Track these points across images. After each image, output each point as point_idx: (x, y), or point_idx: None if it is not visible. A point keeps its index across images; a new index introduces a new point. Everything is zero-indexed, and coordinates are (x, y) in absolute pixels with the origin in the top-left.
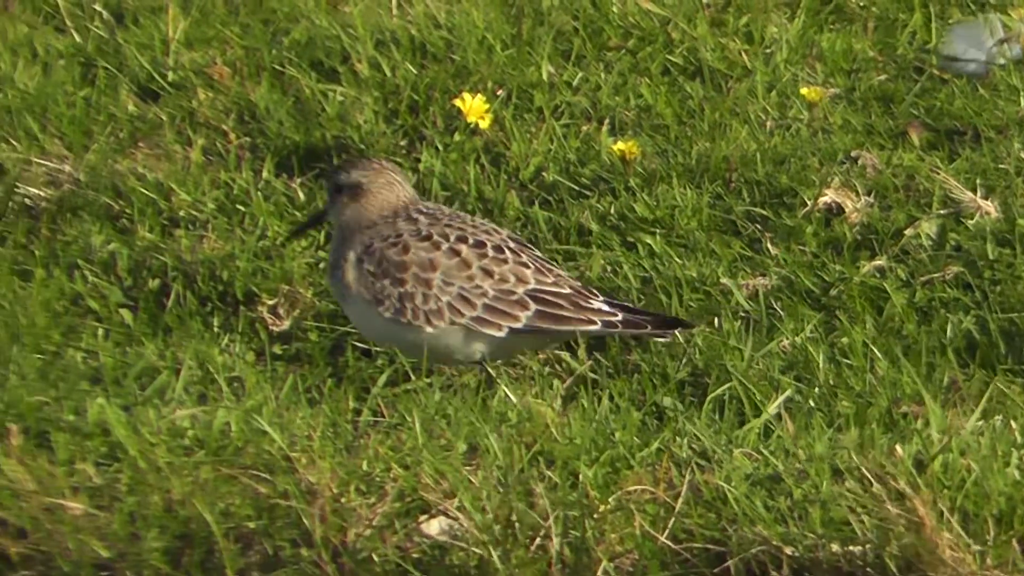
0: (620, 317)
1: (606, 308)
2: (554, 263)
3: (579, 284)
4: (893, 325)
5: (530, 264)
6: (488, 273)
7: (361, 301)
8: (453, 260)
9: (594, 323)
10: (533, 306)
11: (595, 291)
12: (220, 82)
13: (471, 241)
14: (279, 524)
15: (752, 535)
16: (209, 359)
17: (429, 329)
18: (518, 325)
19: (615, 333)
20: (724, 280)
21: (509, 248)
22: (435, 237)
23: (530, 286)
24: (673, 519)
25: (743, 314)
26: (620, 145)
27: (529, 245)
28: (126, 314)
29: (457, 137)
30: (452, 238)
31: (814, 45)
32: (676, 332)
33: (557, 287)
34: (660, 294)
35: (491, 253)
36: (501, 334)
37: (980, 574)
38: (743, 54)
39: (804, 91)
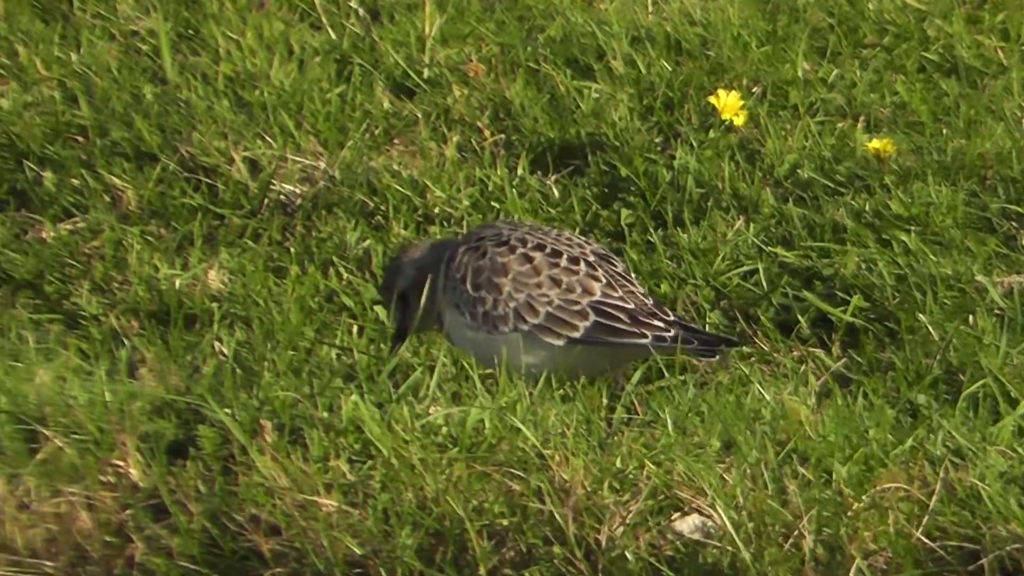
0: (672, 333)
1: (662, 324)
2: (632, 279)
3: (651, 302)
4: None
5: (602, 277)
6: (556, 282)
7: (448, 307)
8: (524, 267)
9: (645, 336)
10: (592, 317)
11: (667, 310)
12: (475, 79)
13: (548, 250)
14: (532, 521)
15: (1006, 533)
16: (464, 356)
17: (494, 335)
18: (576, 335)
19: (664, 348)
20: (979, 277)
21: (586, 261)
22: (512, 242)
23: (595, 298)
24: (927, 517)
25: (998, 312)
26: (875, 142)
27: (614, 260)
28: (380, 311)
29: (712, 134)
30: (529, 244)
31: None
32: (721, 349)
33: (622, 302)
34: (915, 291)
35: (564, 263)
36: (559, 343)
37: None
38: (999, 51)
39: None
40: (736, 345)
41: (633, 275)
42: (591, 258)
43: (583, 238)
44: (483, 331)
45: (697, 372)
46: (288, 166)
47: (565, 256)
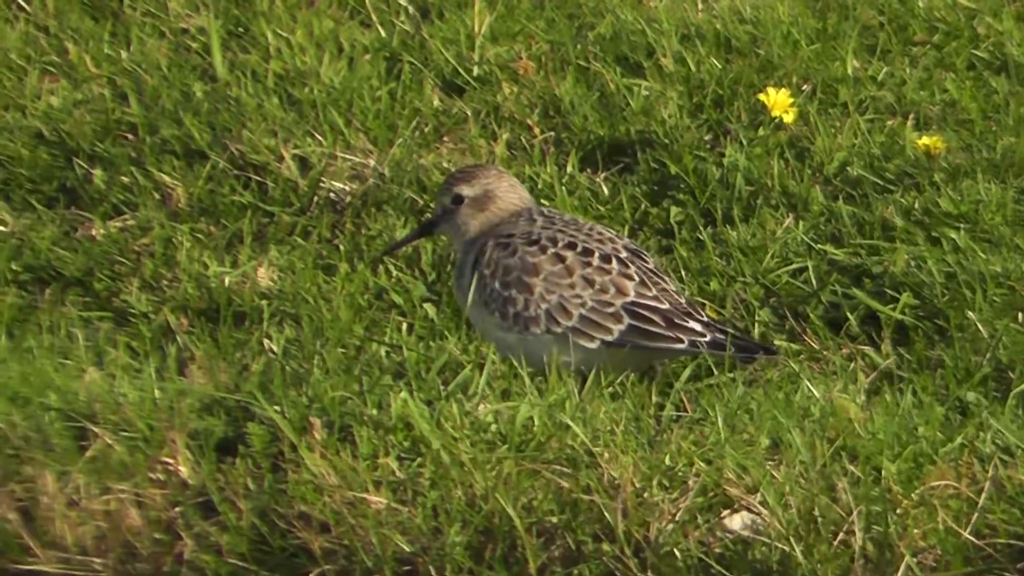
0: (708, 338)
1: (698, 328)
2: (665, 276)
3: (684, 301)
4: None
5: (635, 276)
6: (589, 282)
7: (477, 305)
8: (556, 267)
9: (681, 341)
10: (627, 320)
11: (699, 310)
12: (525, 77)
13: (579, 248)
14: (581, 519)
15: None
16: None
17: (526, 336)
18: (610, 338)
19: (699, 353)
20: None
21: (619, 258)
22: (543, 241)
23: (628, 299)
24: (976, 514)
25: None
26: (925, 140)
27: (645, 256)
28: (429, 308)
29: (761, 132)
30: (560, 243)
31: None
32: (758, 356)
33: (657, 302)
34: (964, 289)
35: (596, 262)
36: (593, 346)
37: None
38: None
39: None
40: (773, 354)
41: (663, 271)
42: (623, 254)
43: (613, 231)
44: (514, 332)
45: (747, 370)
46: (338, 164)
47: (597, 254)
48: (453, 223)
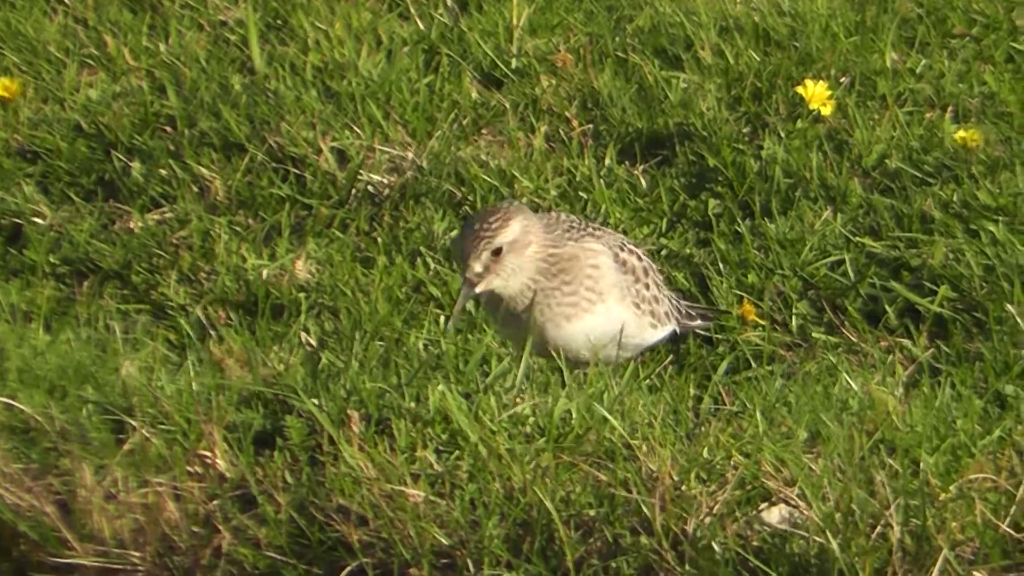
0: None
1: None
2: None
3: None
4: None
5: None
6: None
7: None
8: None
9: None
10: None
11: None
12: (563, 69)
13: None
14: (619, 512)
15: None
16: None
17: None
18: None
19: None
20: None
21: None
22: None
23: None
24: (1014, 507)
25: None
26: (963, 133)
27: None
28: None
29: (800, 124)
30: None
31: None
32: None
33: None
34: (1002, 282)
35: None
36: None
37: None
38: None
39: None
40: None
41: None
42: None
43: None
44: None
45: (785, 362)
46: (376, 156)
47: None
48: (489, 276)
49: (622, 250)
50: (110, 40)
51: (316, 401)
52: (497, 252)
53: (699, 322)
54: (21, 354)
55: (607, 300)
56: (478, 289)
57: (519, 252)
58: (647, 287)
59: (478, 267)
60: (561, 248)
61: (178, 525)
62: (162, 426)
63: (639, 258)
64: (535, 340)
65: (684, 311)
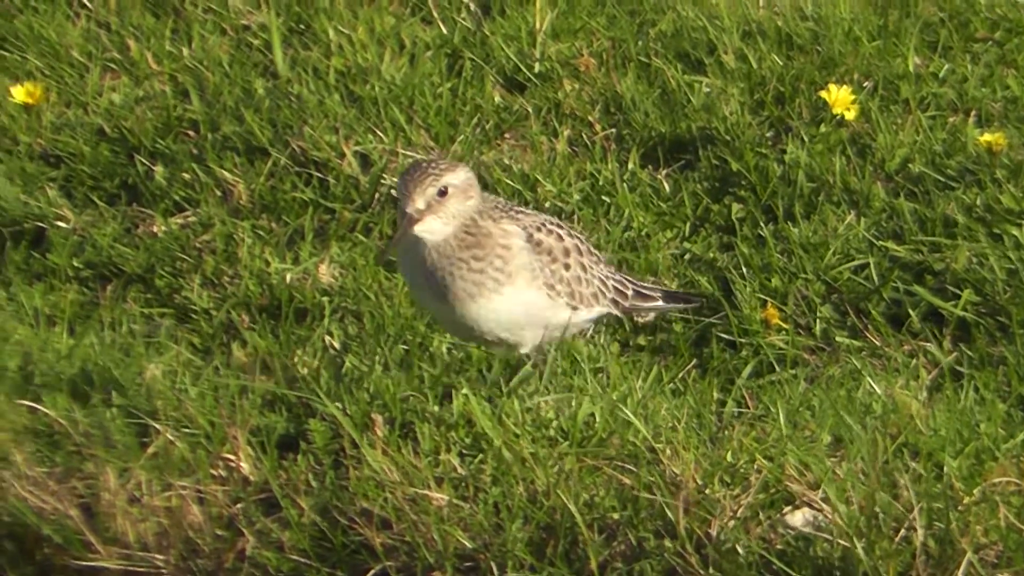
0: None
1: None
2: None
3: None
4: None
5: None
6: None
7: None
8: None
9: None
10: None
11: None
12: (586, 73)
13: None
14: (643, 515)
15: None
16: (575, 349)
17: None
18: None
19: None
20: None
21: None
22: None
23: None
24: None
25: None
26: (986, 136)
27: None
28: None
29: (823, 128)
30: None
31: None
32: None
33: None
34: None
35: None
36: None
37: None
38: None
39: None
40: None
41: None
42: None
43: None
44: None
45: (808, 366)
46: (399, 160)
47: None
48: (434, 217)
49: (539, 230)
50: (133, 44)
51: (340, 405)
52: (443, 193)
53: (660, 303)
54: (45, 358)
55: (516, 282)
56: (417, 228)
57: (461, 200)
58: (566, 267)
59: (421, 203)
60: (481, 222)
61: (202, 528)
62: (186, 429)
63: (560, 238)
64: (445, 318)
65: (633, 291)
